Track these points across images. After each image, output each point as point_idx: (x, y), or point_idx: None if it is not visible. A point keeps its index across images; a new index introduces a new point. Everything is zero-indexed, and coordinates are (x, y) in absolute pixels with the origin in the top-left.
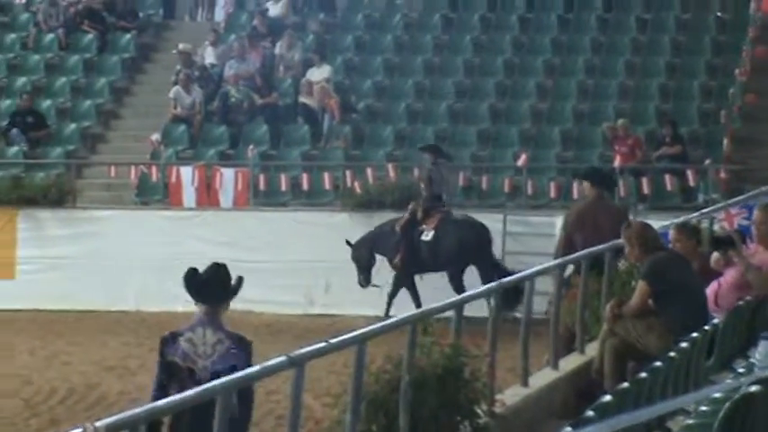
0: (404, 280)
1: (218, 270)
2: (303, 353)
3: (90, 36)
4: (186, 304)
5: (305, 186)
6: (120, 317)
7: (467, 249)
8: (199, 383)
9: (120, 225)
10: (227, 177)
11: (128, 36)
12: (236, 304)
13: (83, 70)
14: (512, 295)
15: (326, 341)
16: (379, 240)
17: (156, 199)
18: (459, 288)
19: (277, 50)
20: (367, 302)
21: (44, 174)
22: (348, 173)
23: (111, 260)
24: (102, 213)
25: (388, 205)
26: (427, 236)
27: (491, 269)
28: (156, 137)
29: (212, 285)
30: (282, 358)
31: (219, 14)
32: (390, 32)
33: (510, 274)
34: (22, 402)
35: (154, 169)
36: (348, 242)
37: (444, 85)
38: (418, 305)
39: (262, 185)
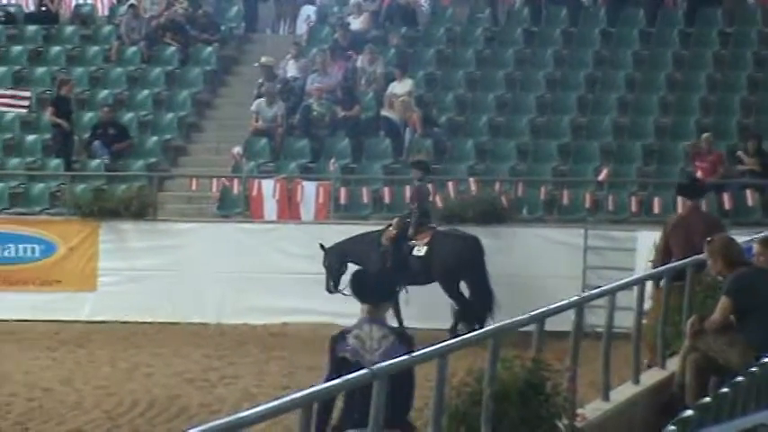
0: None
1: (387, 275)
2: (385, 366)
3: (172, 49)
4: (263, 317)
5: (386, 200)
6: (200, 329)
7: (463, 263)
8: None
9: (200, 238)
10: (309, 190)
11: (210, 49)
12: (318, 317)
13: (165, 83)
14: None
15: (409, 354)
16: (356, 250)
17: (237, 212)
18: (459, 300)
19: (359, 64)
20: (447, 316)
21: (126, 186)
22: (430, 186)
23: (192, 272)
24: (183, 226)
25: (470, 219)
26: (420, 251)
27: (485, 282)
28: (237, 150)
29: (381, 286)
30: (365, 371)
31: (301, 28)
32: (472, 46)
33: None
34: (104, 414)
35: (235, 182)
36: (321, 246)
37: (526, 100)
38: (399, 318)
39: (343, 199)
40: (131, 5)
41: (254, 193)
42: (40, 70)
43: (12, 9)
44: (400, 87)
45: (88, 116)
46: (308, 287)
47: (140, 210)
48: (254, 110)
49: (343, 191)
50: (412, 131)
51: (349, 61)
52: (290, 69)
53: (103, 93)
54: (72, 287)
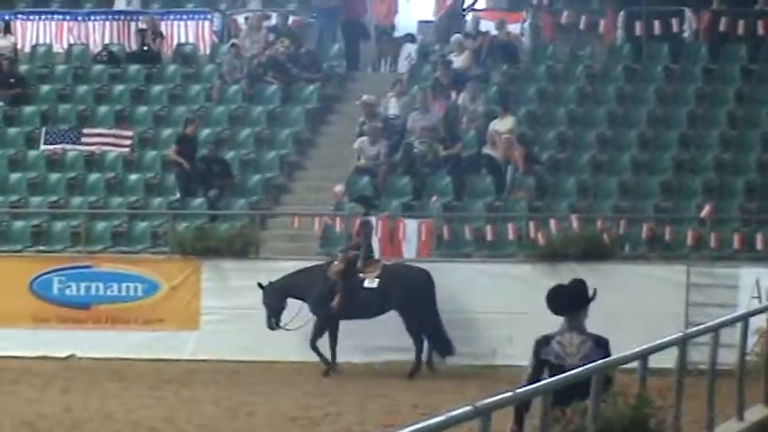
0: (328, 323)
1: (578, 284)
2: (488, 402)
3: (274, 87)
4: (364, 355)
5: (488, 237)
6: (301, 367)
7: (416, 294)
8: None
9: None
10: (411, 228)
11: (311, 87)
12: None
13: (266, 121)
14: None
15: (512, 391)
16: (300, 285)
17: (340, 250)
18: (413, 329)
19: (460, 102)
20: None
21: (228, 225)
22: (531, 224)
23: (296, 310)
24: (285, 264)
25: (572, 256)
26: (372, 282)
27: (436, 316)
28: (339, 188)
29: (574, 297)
30: (468, 408)
31: (403, 66)
32: (573, 83)
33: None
34: None
35: (338, 220)
36: (260, 285)
37: (627, 136)
38: (334, 349)
39: (445, 236)
40: (233, 44)
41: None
42: (142, 109)
43: (114, 49)
44: (502, 125)
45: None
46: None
47: (243, 248)
48: (355, 148)
49: (445, 228)
50: (514, 169)
51: (450, 99)
52: (392, 107)
53: (205, 131)
54: (175, 326)
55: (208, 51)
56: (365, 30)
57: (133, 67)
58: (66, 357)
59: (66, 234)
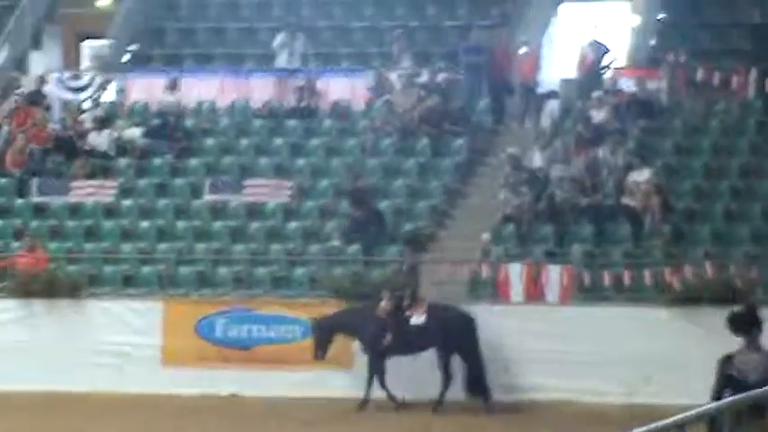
0: (379, 361)
1: (752, 309)
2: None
3: (425, 141)
4: (509, 394)
5: (626, 282)
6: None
7: (457, 332)
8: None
9: None
10: (553, 274)
11: (460, 141)
12: (560, 395)
13: (418, 173)
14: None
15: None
16: (350, 323)
17: (486, 295)
18: (447, 369)
19: (600, 154)
20: (690, 393)
21: (381, 270)
22: (667, 270)
23: None
24: None
25: (706, 300)
26: (419, 319)
27: (476, 353)
28: (486, 236)
29: (750, 320)
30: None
31: (546, 120)
32: (708, 137)
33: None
34: None
35: (484, 267)
36: (312, 318)
37: (759, 187)
38: (371, 383)
39: (586, 281)
40: (386, 101)
41: (502, 276)
42: (300, 161)
43: (274, 104)
44: (640, 176)
45: (345, 205)
46: (551, 365)
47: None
48: (501, 198)
49: (585, 274)
50: (651, 217)
51: (591, 151)
52: (536, 159)
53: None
54: (330, 365)
55: (362, 107)
56: (510, 86)
57: (291, 122)
58: (229, 396)
59: (228, 279)
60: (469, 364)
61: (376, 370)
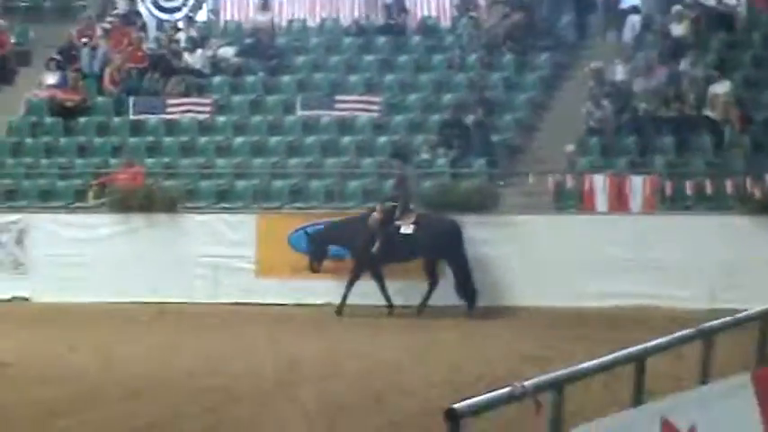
0: (368, 268)
1: None
2: (712, 324)
3: (509, 56)
4: (596, 301)
5: (708, 191)
6: (536, 312)
7: (444, 240)
8: None
9: (538, 229)
10: (636, 184)
11: (544, 56)
12: (645, 300)
13: (503, 87)
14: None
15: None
16: (342, 235)
17: (571, 205)
18: (433, 275)
19: (681, 67)
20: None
21: (468, 182)
22: (748, 179)
23: (531, 261)
24: (520, 218)
25: None
26: (407, 228)
27: (463, 260)
28: (571, 147)
29: None
30: (691, 330)
31: (627, 35)
32: None
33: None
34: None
35: (569, 177)
36: (305, 232)
37: None
38: (385, 292)
39: (668, 191)
40: (472, 17)
41: (587, 187)
42: (389, 78)
43: (363, 22)
44: (720, 88)
45: (434, 118)
46: (636, 273)
47: (482, 204)
48: (585, 111)
49: (668, 184)
50: (731, 129)
51: (672, 64)
52: (618, 73)
53: (447, 97)
54: (419, 276)
55: (449, 23)
56: (593, 2)
57: (380, 39)
58: (322, 305)
59: (320, 192)
60: (456, 270)
61: (355, 275)
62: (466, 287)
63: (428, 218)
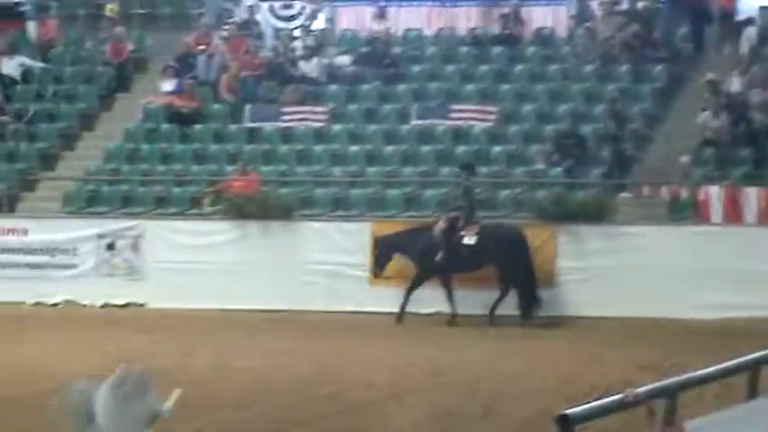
0: (431, 277)
1: None
2: None
3: (625, 67)
4: (710, 312)
5: None
6: (651, 323)
7: (507, 250)
8: None
9: (653, 240)
10: (751, 196)
11: (660, 67)
12: (759, 312)
13: (619, 98)
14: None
15: None
16: (407, 243)
17: (686, 216)
18: (505, 284)
19: None
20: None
21: (584, 192)
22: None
23: (645, 271)
24: (636, 229)
25: None
26: (470, 240)
27: (528, 269)
28: (685, 158)
29: None
30: None
31: (744, 47)
32: None
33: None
34: (564, 400)
35: (683, 189)
36: (375, 237)
37: None
38: (451, 301)
39: None
40: (588, 28)
41: (701, 198)
42: (504, 87)
43: (478, 32)
44: None
45: (548, 128)
46: (750, 284)
47: (597, 214)
48: (700, 122)
49: None
50: None
51: None
52: (735, 85)
53: (562, 107)
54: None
55: (564, 34)
56: (709, 13)
57: (496, 49)
58: (433, 314)
59: (434, 201)
60: (518, 279)
61: (416, 283)
62: (527, 297)
63: (492, 228)
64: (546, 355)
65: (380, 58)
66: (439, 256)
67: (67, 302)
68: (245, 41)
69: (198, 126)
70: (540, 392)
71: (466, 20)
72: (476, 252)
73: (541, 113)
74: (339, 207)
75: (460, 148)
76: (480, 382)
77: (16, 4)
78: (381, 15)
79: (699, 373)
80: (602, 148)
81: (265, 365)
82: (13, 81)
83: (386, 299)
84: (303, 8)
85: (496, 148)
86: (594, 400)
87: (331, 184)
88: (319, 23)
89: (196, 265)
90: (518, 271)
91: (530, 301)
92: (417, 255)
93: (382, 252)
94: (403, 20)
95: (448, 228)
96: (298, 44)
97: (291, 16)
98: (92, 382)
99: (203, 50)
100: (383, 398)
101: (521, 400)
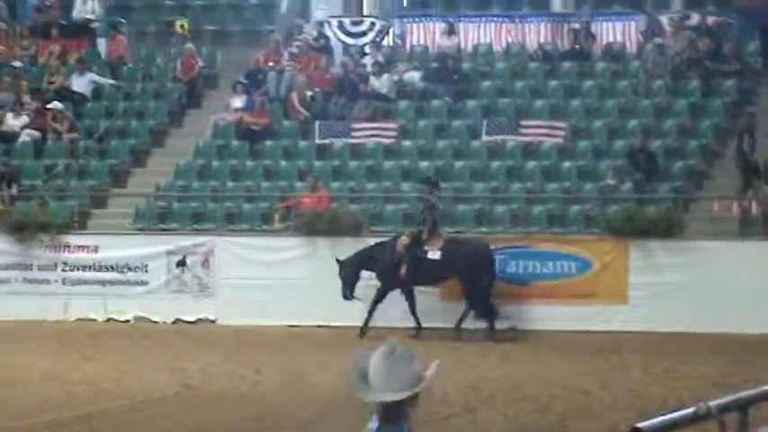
0: (393, 290)
1: None
2: None
3: (695, 82)
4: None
5: None
6: (722, 338)
7: (470, 264)
8: None
9: (723, 255)
10: None
11: (730, 82)
12: None
13: (688, 113)
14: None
15: None
16: (371, 259)
17: (756, 231)
18: (468, 297)
19: None
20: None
21: (654, 208)
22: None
23: (715, 287)
24: (707, 244)
25: None
26: (434, 254)
27: (485, 283)
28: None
29: None
30: None
31: None
32: None
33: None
34: (635, 414)
35: (753, 204)
36: (337, 260)
37: None
38: (414, 314)
39: None
40: (658, 43)
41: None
42: (575, 103)
43: (548, 48)
44: None
45: (619, 144)
46: None
47: (668, 229)
48: None
49: None
50: None
51: None
52: None
53: (632, 122)
54: (605, 300)
55: (634, 49)
56: None
57: (566, 64)
58: (507, 329)
59: (505, 217)
60: (480, 293)
61: (378, 298)
62: (483, 310)
63: (456, 242)
64: (618, 371)
65: (450, 73)
66: (402, 270)
67: (138, 319)
68: (315, 58)
69: (268, 142)
70: (613, 407)
71: (536, 35)
72: (440, 265)
73: (611, 129)
74: (409, 223)
75: (531, 164)
76: (555, 399)
77: (87, 21)
78: (451, 31)
79: None
80: (673, 163)
81: (336, 382)
82: (83, 98)
83: (456, 314)
84: (373, 24)
85: (566, 164)
86: (667, 414)
87: (401, 200)
88: (389, 39)
89: (266, 281)
90: (481, 285)
91: (487, 314)
92: (381, 269)
93: (348, 273)
94: (472, 35)
95: (411, 242)
96: (367, 60)
97: (361, 32)
98: (368, 349)
99: (273, 67)
100: (457, 413)
101: (594, 415)
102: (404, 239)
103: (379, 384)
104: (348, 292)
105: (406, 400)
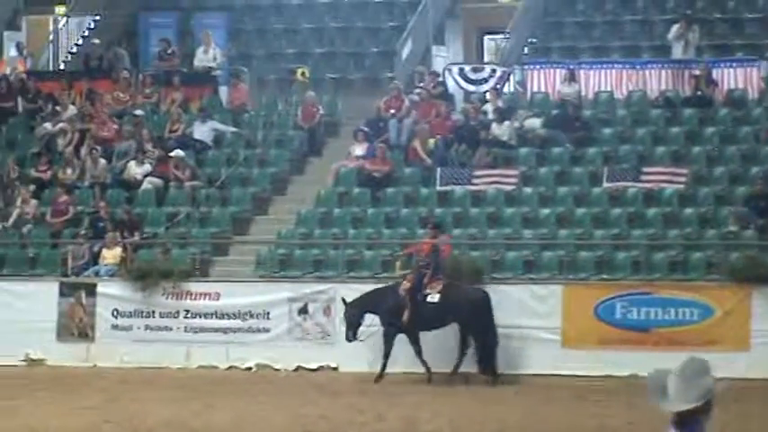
0: (398, 335)
1: None
2: None
3: None
4: None
5: None
6: None
7: (469, 310)
8: None
9: None
10: None
11: None
12: None
13: None
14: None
15: None
16: (374, 302)
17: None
18: (465, 342)
19: None
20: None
21: None
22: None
23: None
24: None
25: None
26: (433, 297)
27: (490, 331)
28: None
29: None
30: None
31: None
32: None
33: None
34: None
35: None
36: (344, 300)
37: None
38: (421, 358)
39: None
40: None
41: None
42: (696, 149)
43: (670, 94)
44: None
45: (741, 190)
46: None
47: None
48: None
49: None
50: None
51: None
52: None
53: (754, 169)
54: (727, 347)
55: (756, 95)
56: None
57: (687, 111)
58: (628, 377)
59: (626, 264)
60: (480, 341)
61: (388, 346)
62: (489, 359)
63: (456, 287)
64: (735, 420)
65: (571, 120)
66: (405, 316)
67: (260, 366)
68: (436, 105)
69: (389, 190)
70: None
71: (657, 82)
72: (439, 309)
73: (733, 175)
74: (530, 270)
75: (652, 211)
76: None
77: (209, 69)
78: (571, 78)
79: None
80: None
81: (453, 427)
82: (205, 146)
83: (579, 362)
84: (493, 71)
85: (688, 210)
86: None
87: (522, 246)
88: (510, 86)
89: None
90: (479, 331)
91: (489, 359)
92: (384, 314)
93: (353, 317)
94: (593, 82)
95: (413, 286)
96: (488, 107)
97: (482, 79)
98: (664, 369)
99: (394, 114)
100: None
101: None
102: (405, 284)
103: (675, 395)
104: (351, 333)
105: (698, 409)
